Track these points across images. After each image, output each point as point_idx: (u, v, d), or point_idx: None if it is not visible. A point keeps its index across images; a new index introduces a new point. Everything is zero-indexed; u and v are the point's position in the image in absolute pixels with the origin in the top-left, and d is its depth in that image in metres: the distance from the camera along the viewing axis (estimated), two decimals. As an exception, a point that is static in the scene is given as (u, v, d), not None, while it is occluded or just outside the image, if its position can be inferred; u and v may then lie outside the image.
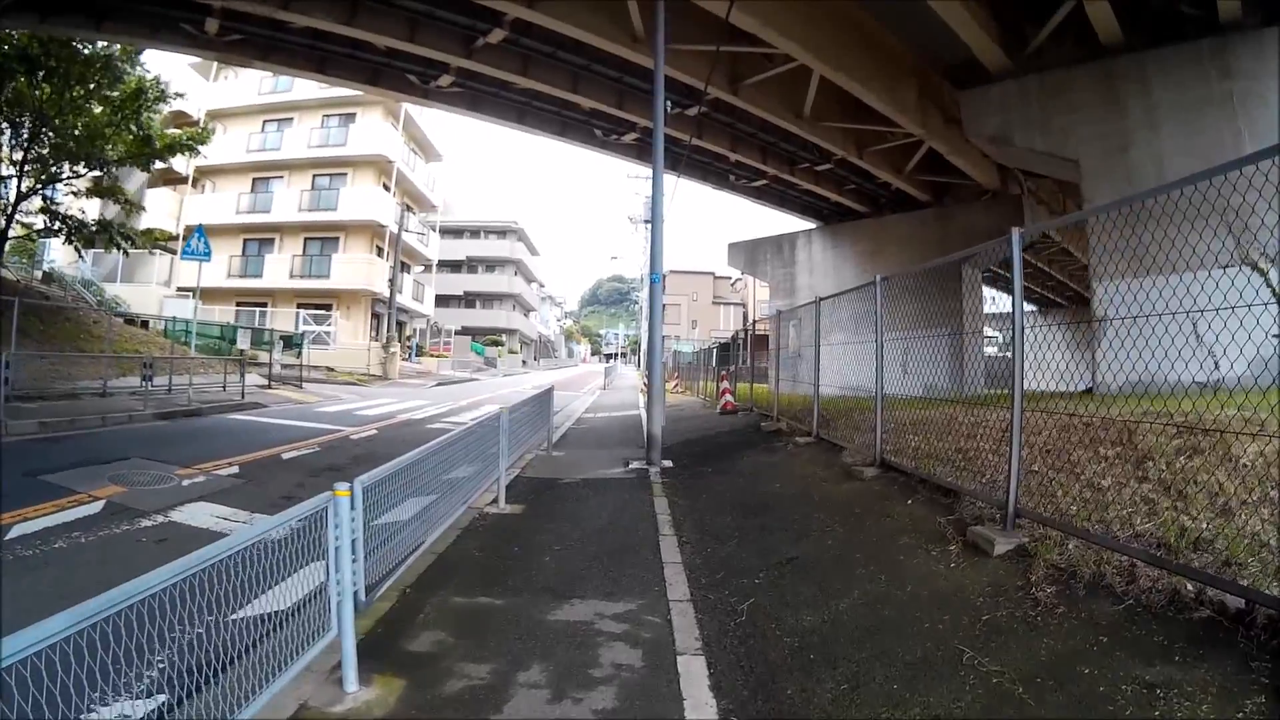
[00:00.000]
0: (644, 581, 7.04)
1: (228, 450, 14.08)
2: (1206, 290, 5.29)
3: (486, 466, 9.59)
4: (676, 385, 41.00)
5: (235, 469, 12.45)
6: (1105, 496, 6.62)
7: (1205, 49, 18.04)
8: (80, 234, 27.26)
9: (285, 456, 14.15)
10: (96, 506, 9.32)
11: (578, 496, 11.17)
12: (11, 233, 26.27)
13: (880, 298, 10.26)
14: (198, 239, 22.60)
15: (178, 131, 30.77)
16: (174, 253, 38.57)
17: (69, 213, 27.15)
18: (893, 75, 23.00)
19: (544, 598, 6.59)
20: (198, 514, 9.36)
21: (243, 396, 24.25)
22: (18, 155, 25.25)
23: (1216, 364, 4.88)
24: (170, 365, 24.68)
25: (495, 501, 10.08)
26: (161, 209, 46.08)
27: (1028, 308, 54.75)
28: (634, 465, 13.83)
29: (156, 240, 35.20)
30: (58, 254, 39.63)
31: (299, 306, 48.22)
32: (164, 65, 44.47)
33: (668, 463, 13.87)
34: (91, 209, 30.52)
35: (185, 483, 11.15)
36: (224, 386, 25.74)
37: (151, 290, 42.24)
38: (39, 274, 35.33)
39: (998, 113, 21.83)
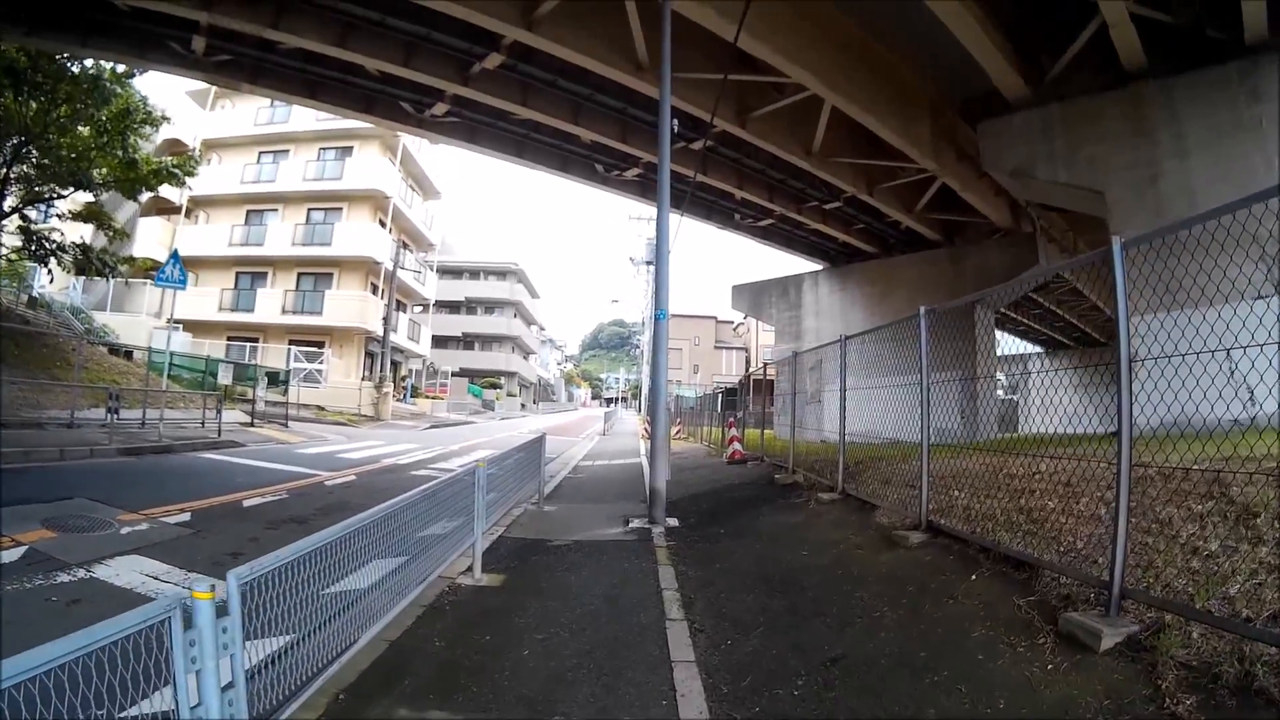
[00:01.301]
0: (648, 693, 5.44)
1: (186, 494, 12.78)
2: (1244, 322, 5.22)
3: (462, 526, 8.14)
4: (679, 431, 40.16)
5: (187, 516, 11.14)
6: (1217, 565, 5.44)
7: (1233, 72, 17.17)
8: (56, 257, 26.39)
9: (247, 504, 12.75)
10: (17, 553, 8.24)
11: (569, 564, 9.48)
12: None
13: (926, 331, 8.87)
14: (173, 266, 21.40)
15: (166, 159, 29.77)
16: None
17: (45, 234, 26.48)
18: (905, 108, 22.27)
19: (518, 714, 5.09)
20: (126, 570, 8.08)
21: (219, 434, 23.11)
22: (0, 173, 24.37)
23: (1254, 399, 4.97)
24: (145, 398, 23.56)
25: (470, 570, 8.47)
26: (153, 238, 45.60)
27: (1031, 349, 54.88)
28: (635, 524, 12.19)
29: (145, 269, 34.46)
30: (48, 279, 38.42)
31: (291, 343, 47.22)
32: (161, 94, 44.12)
33: (673, 521, 12.30)
34: (84, 235, 29.61)
35: (125, 530, 9.91)
36: (203, 423, 24.64)
37: (141, 320, 41.27)
38: (25, 298, 34.38)
39: (1019, 144, 20.89)
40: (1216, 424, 5.15)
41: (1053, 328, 51.38)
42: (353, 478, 17.19)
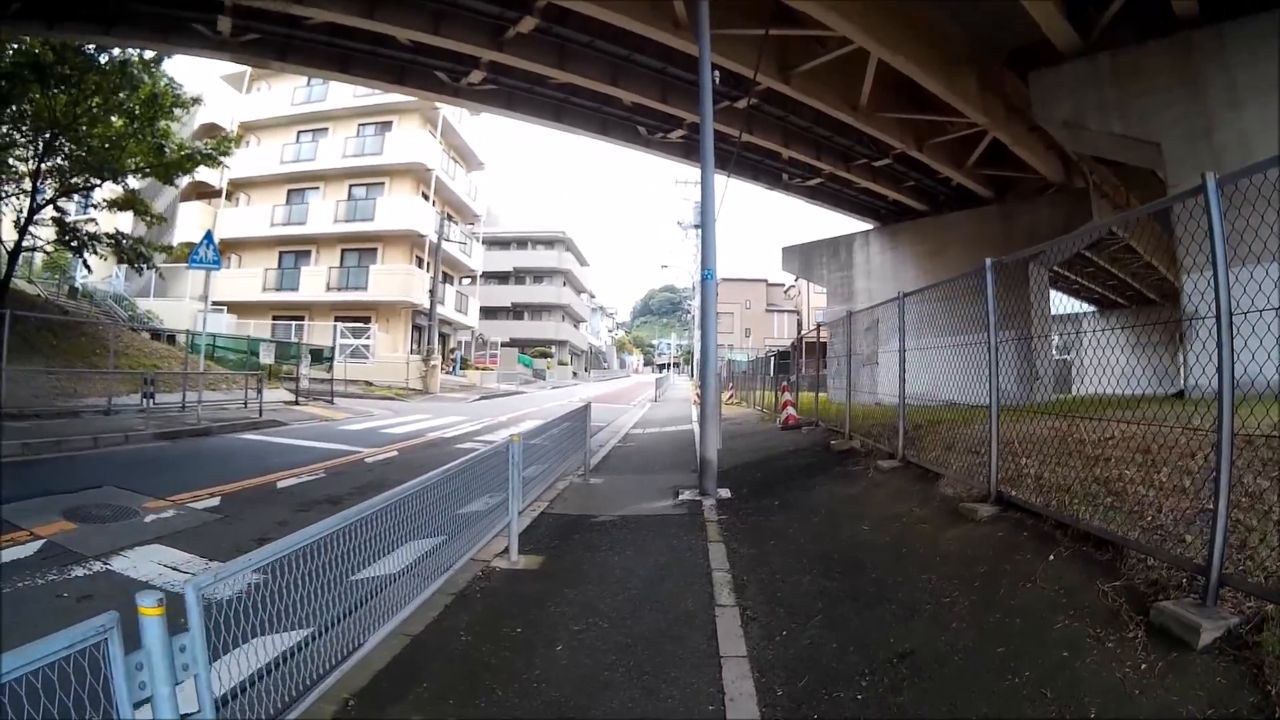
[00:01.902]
0: (693, 695, 4.82)
1: (218, 477, 12.42)
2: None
3: (498, 505, 7.75)
4: (731, 396, 39.96)
5: (215, 500, 10.78)
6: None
7: None
8: (90, 247, 26.26)
9: (281, 485, 12.40)
10: (33, 547, 7.94)
11: (612, 543, 8.89)
12: (25, 244, 25.29)
13: (993, 285, 8.20)
14: (206, 247, 21.09)
15: (199, 143, 29.59)
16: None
17: (78, 225, 26.42)
18: (952, 61, 21.56)
19: (545, 723, 4.52)
20: (144, 561, 7.73)
21: (260, 414, 22.75)
22: (31, 166, 24.35)
23: None
24: (184, 381, 23.25)
25: (506, 552, 7.93)
26: (194, 222, 45.36)
27: (1085, 308, 54.04)
28: (684, 496, 11.63)
29: (186, 254, 34.49)
30: (92, 270, 38.67)
31: (336, 319, 47.04)
32: (196, 80, 43.96)
33: (725, 492, 11.70)
34: (125, 225, 29.46)
35: (149, 518, 9.55)
36: (245, 403, 24.34)
37: (185, 305, 41.50)
38: (65, 289, 34.93)
39: (1070, 95, 20.26)
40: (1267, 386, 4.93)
41: (1105, 286, 50.49)
42: (394, 453, 16.89)
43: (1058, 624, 5.04)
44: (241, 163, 46.74)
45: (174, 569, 7.47)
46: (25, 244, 25.12)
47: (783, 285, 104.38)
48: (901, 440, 11.45)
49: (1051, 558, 6.05)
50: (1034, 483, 7.76)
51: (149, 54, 24.34)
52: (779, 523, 9.59)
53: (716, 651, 5.50)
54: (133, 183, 27.72)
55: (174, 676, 2.90)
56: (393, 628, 5.20)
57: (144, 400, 19.71)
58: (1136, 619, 4.75)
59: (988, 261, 8.23)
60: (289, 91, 49.97)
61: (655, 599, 6.76)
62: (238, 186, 50.17)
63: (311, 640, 4.15)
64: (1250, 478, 5.90)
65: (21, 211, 24.71)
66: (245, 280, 47.68)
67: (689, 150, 28.49)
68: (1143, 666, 4.30)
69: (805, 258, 41.63)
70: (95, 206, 27.89)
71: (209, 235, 22.14)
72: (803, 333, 42.65)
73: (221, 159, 30.16)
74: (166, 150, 26.53)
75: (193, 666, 3.03)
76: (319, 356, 37.35)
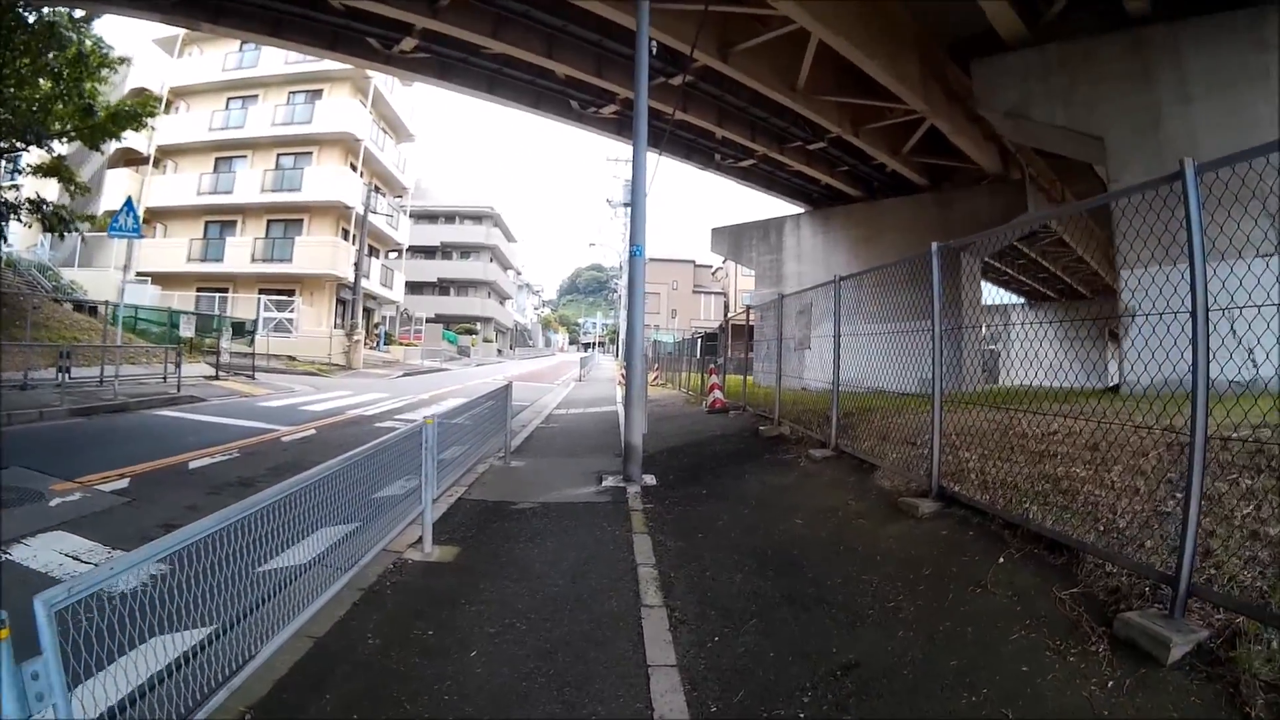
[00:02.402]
0: (619, 710, 4.42)
1: (130, 457, 11.94)
2: (1242, 280, 4.70)
3: (412, 492, 7.37)
4: (657, 377, 39.84)
5: (125, 483, 10.26)
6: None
7: (1241, 20, 16.80)
8: (11, 214, 25.56)
9: (194, 465, 11.91)
10: None
11: (533, 532, 8.45)
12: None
13: (939, 271, 7.89)
14: (126, 214, 20.44)
15: (119, 100, 28.66)
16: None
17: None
18: (895, 44, 21.50)
19: (456, 742, 4.11)
20: (45, 550, 7.28)
21: (178, 390, 22.07)
22: None
23: (1255, 362, 4.89)
24: (103, 355, 22.68)
25: (420, 542, 7.49)
26: (121, 190, 43.82)
27: (1014, 300, 54.96)
28: (609, 482, 11.22)
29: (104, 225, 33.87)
30: (15, 238, 37.86)
31: (261, 292, 46.13)
32: (128, 42, 43.13)
33: (650, 479, 11.33)
34: (51, 193, 28.68)
35: (55, 502, 9.08)
36: (164, 378, 23.62)
37: (110, 275, 40.57)
38: None
39: (1015, 84, 20.39)
40: (1211, 386, 4.61)
41: (1036, 279, 51.29)
42: (312, 432, 16.44)
43: (1014, 634, 4.78)
44: (170, 129, 46.61)
45: (75, 558, 7.11)
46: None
47: (710, 267, 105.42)
48: (835, 429, 11.16)
49: (1002, 560, 5.79)
50: (978, 478, 7.48)
51: (78, 13, 23.61)
52: (708, 513, 9.21)
53: (644, 660, 5.11)
54: (59, 148, 27.11)
55: (26, 709, 2.51)
56: (296, 628, 4.80)
57: (59, 375, 19.13)
58: (1099, 630, 4.54)
59: (934, 246, 7.93)
60: (221, 57, 49.13)
61: (577, 598, 6.34)
62: (166, 154, 49.20)
63: (211, 642, 3.84)
64: (1208, 480, 5.58)
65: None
66: (170, 251, 46.85)
67: (621, 127, 28.48)
68: (1110, 684, 4.06)
69: (735, 240, 41.80)
70: (20, 173, 27.21)
71: (129, 202, 21.53)
72: (730, 315, 42.75)
73: (147, 120, 29.21)
74: (96, 112, 25.72)
75: (49, 696, 2.63)
76: (241, 330, 36.70)
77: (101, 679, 3.09)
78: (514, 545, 7.90)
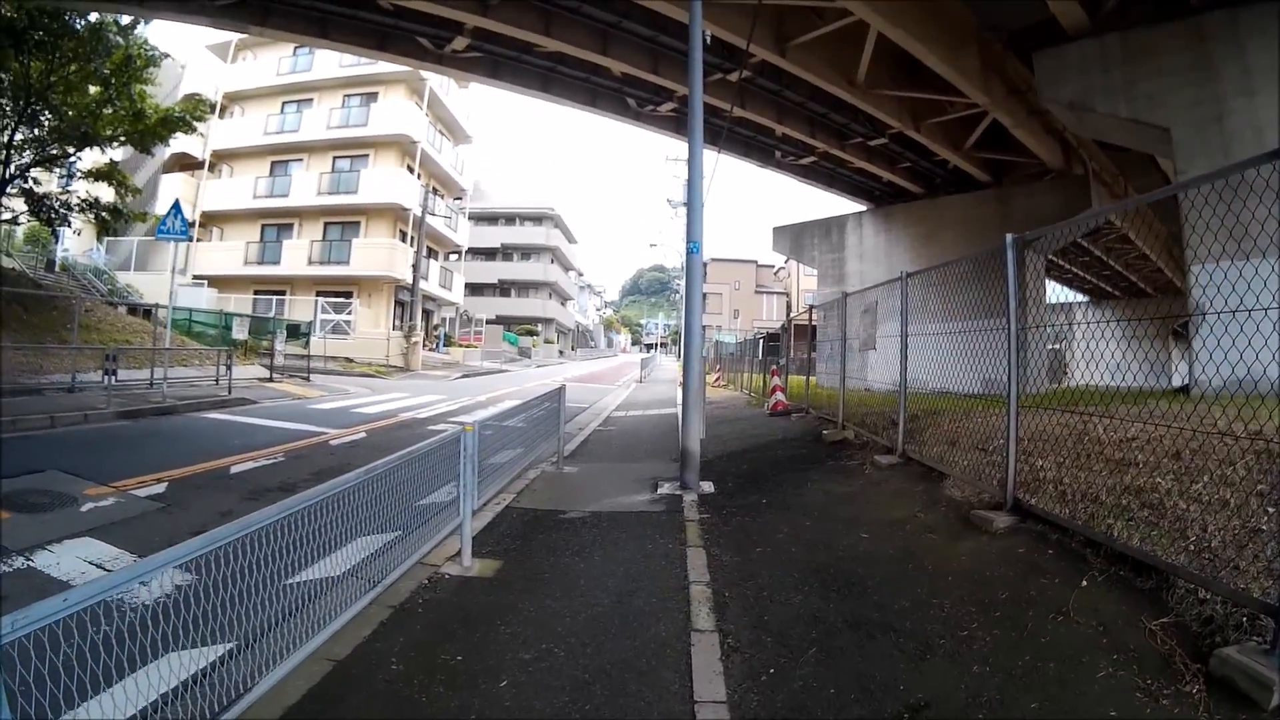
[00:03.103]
0: None
1: (170, 460, 11.75)
2: None
3: (453, 502, 6.97)
4: (718, 379, 39.68)
5: (161, 487, 10.05)
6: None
7: None
8: (60, 216, 25.92)
9: (235, 469, 11.68)
10: None
11: (580, 545, 7.93)
12: (4, 217, 25.17)
13: (1014, 265, 7.35)
14: (173, 217, 20.51)
15: (168, 105, 28.80)
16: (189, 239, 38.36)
17: (48, 195, 25.84)
18: (953, 37, 21.19)
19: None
20: (69, 557, 7.10)
21: (229, 392, 22.05)
22: (4, 137, 23.69)
23: None
24: (153, 357, 22.64)
25: (458, 556, 7.05)
26: (176, 194, 43.98)
27: (1077, 298, 54.70)
28: (664, 489, 10.78)
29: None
30: (71, 242, 39.64)
31: (318, 294, 46.70)
32: (181, 49, 43.82)
33: (708, 486, 10.86)
34: (102, 196, 28.86)
35: (87, 506, 8.91)
36: (216, 380, 23.77)
37: (165, 278, 40.69)
38: (44, 261, 35.21)
39: (1077, 76, 19.97)
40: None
41: (1100, 276, 50.99)
42: (363, 435, 16.22)
43: (1100, 671, 4.25)
44: (225, 134, 47.35)
45: (98, 566, 6.90)
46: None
47: (772, 267, 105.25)
48: (901, 434, 10.64)
49: (1084, 583, 5.27)
50: (1054, 489, 6.95)
51: (125, 19, 23.78)
52: (767, 524, 8.63)
53: (690, 695, 4.57)
54: (112, 153, 27.39)
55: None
56: (314, 648, 4.43)
57: (105, 377, 18.87)
58: (1193, 668, 4.04)
59: (1008, 238, 7.38)
60: (274, 61, 49.49)
61: (622, 619, 5.82)
62: (221, 158, 49.78)
63: (223, 662, 3.61)
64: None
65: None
66: (227, 253, 47.36)
67: (679, 124, 28.03)
68: (1212, 740, 3.48)
69: (796, 238, 41.51)
70: (72, 177, 27.60)
71: (176, 205, 21.62)
72: (792, 315, 42.46)
73: (197, 124, 29.54)
74: (145, 114, 25.84)
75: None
76: (296, 332, 36.89)
77: (114, 692, 2.98)
78: (559, 559, 7.43)
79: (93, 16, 23.20)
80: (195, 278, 43.80)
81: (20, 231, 34.96)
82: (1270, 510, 5.29)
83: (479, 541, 7.51)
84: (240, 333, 33.21)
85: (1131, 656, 4.30)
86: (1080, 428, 7.52)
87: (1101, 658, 4.36)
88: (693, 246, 12.07)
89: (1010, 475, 7.00)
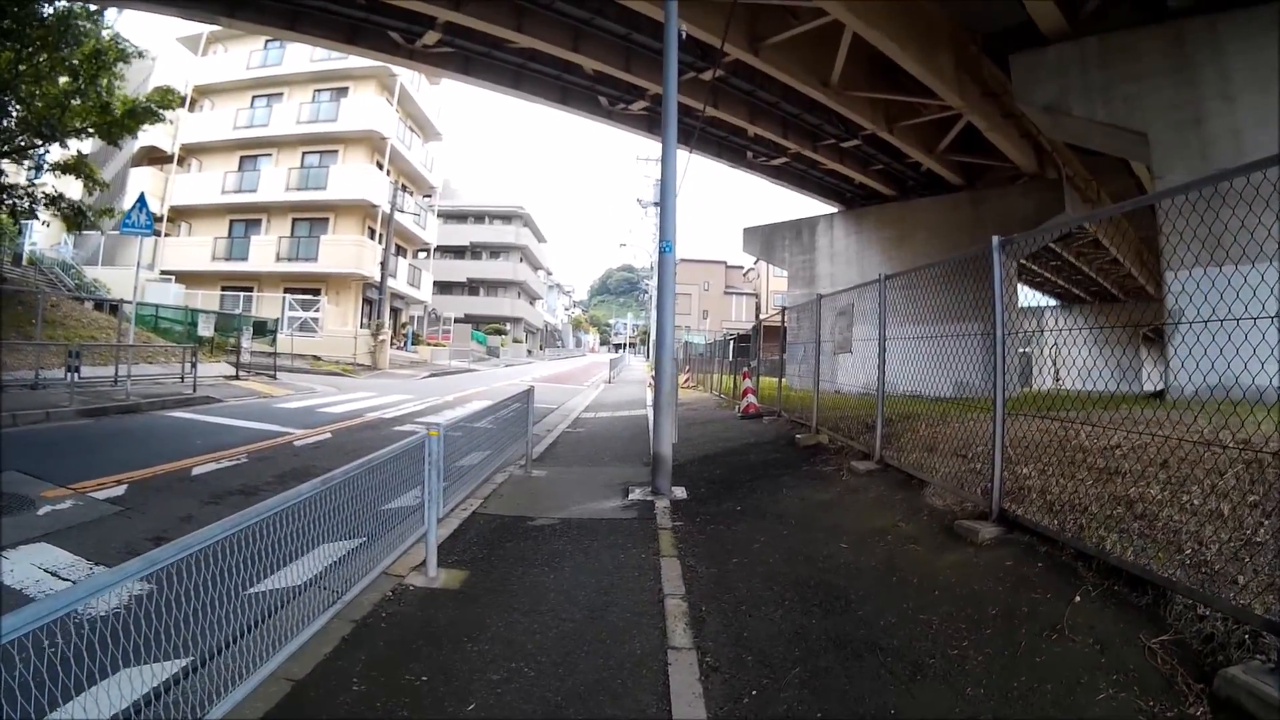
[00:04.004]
0: None
1: (131, 461, 11.50)
2: None
3: (418, 508, 6.67)
4: (688, 380, 39.46)
5: (121, 489, 9.78)
6: None
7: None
8: (22, 209, 25.94)
9: (197, 471, 11.37)
10: None
11: (550, 554, 7.65)
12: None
13: (999, 268, 7.16)
14: (138, 210, 20.12)
15: (140, 98, 28.34)
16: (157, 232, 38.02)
17: (13, 187, 25.72)
18: (929, 39, 21.45)
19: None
20: (22, 564, 6.86)
21: (194, 390, 21.80)
22: None
23: None
24: (117, 354, 22.23)
25: (424, 565, 6.78)
26: (145, 189, 43.62)
27: (1049, 303, 55.48)
28: (635, 495, 10.51)
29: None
30: (40, 235, 39.12)
31: (286, 291, 46.46)
32: (151, 41, 43.42)
33: (680, 492, 10.61)
34: (74, 192, 28.50)
35: (44, 510, 8.66)
36: (182, 378, 23.41)
37: (132, 273, 40.40)
38: (9, 256, 34.32)
39: (1054, 79, 20.28)
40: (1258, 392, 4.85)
41: (1070, 280, 51.84)
42: (327, 435, 15.96)
43: (1100, 693, 4.07)
44: (194, 128, 47.07)
45: (53, 573, 6.70)
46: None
47: (741, 268, 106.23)
48: (879, 439, 10.46)
49: (1078, 599, 5.07)
50: (1040, 499, 6.75)
51: (92, 6, 23.56)
52: (742, 533, 8.39)
53: (669, 718, 4.36)
54: (80, 146, 27.31)
55: None
56: (273, 668, 4.16)
57: (68, 374, 18.75)
58: (1196, 689, 3.88)
59: (995, 240, 7.19)
60: (245, 55, 49.20)
61: (595, 636, 5.56)
62: (190, 152, 49.45)
63: (176, 683, 3.48)
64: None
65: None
66: (195, 249, 47.18)
67: (651, 123, 28.51)
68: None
69: (767, 240, 42.07)
70: (40, 170, 27.63)
71: (141, 198, 21.24)
72: (762, 316, 42.47)
73: (166, 113, 29.09)
74: (113, 107, 25.54)
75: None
76: (263, 329, 36.50)
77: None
78: (528, 570, 7.16)
79: (60, 3, 22.87)
80: (163, 273, 43.61)
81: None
82: (1265, 521, 5.15)
83: (445, 550, 7.30)
84: (206, 329, 33.09)
85: (1132, 676, 4.14)
86: (1061, 434, 7.43)
87: (1101, 678, 4.19)
88: (665, 246, 11.82)
89: (996, 484, 6.78)
